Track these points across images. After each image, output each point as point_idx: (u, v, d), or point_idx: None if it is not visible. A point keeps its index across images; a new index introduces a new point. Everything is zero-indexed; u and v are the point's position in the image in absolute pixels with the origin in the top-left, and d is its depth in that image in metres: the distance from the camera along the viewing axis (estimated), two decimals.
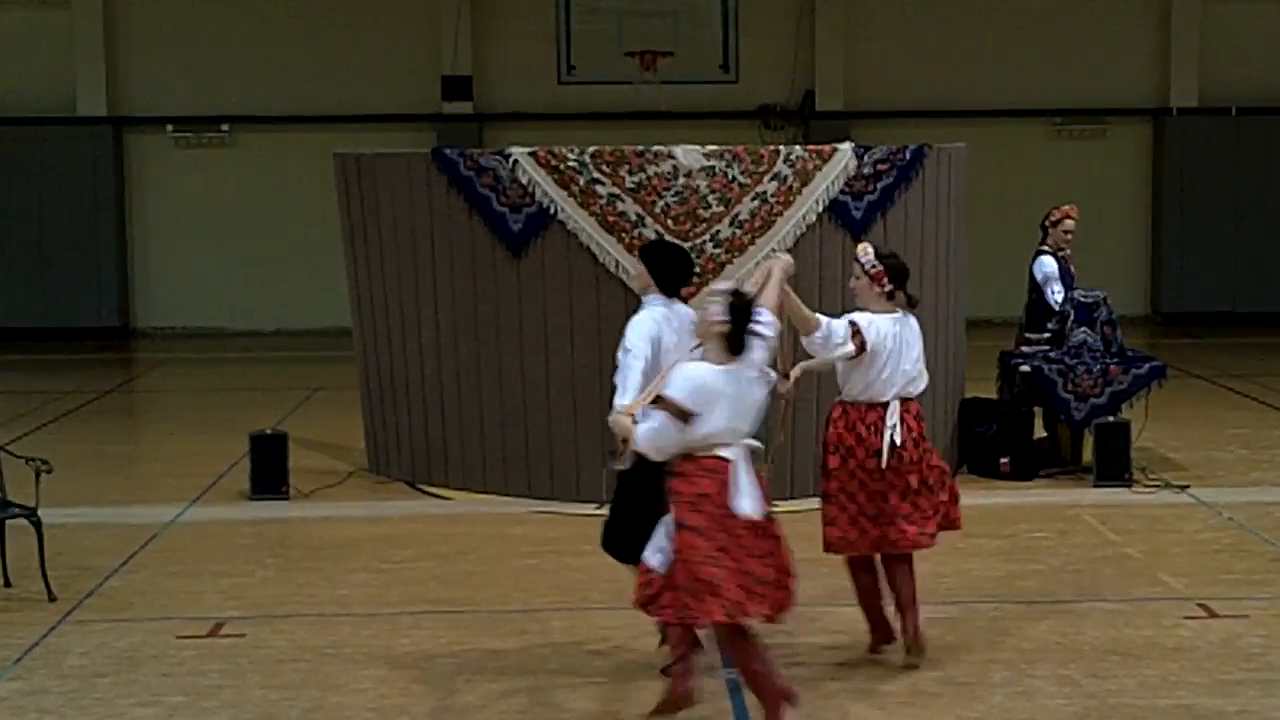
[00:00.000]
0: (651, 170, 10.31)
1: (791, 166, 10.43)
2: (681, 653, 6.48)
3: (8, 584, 8.62)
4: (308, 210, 20.08)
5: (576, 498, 10.53)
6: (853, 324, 7.23)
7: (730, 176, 10.33)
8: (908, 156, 10.83)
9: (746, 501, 6.18)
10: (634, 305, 10.28)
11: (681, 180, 10.30)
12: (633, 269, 7.17)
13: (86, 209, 21.10)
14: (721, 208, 10.33)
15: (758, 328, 6.29)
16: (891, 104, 21.28)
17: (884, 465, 7.25)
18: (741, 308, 6.23)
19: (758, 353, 6.30)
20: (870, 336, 7.23)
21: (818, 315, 7.25)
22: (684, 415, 6.10)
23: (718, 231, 10.34)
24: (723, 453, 6.17)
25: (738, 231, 10.35)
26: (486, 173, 10.60)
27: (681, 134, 12.61)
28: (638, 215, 10.33)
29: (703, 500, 6.14)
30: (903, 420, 7.34)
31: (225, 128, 21.35)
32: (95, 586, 8.72)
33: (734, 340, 6.18)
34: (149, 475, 12.34)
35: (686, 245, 10.30)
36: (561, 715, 6.66)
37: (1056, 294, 11.69)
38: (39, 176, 20.95)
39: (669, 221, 10.32)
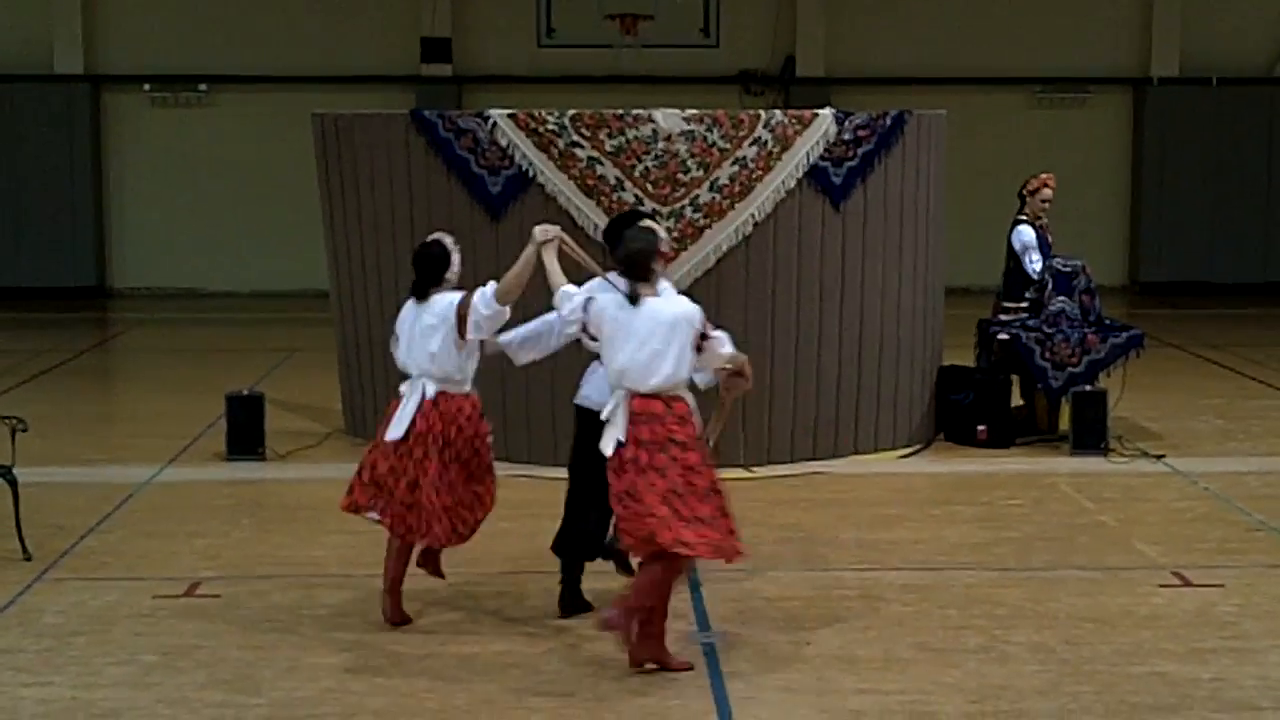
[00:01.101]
0: (631, 134, 10.28)
1: (772, 132, 10.41)
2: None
3: None
4: (285, 171, 19.99)
5: (553, 461, 10.49)
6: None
7: (710, 141, 10.30)
8: (888, 123, 10.82)
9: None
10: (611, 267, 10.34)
11: (661, 144, 10.27)
12: None
13: (63, 168, 20.96)
14: (701, 172, 10.31)
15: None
16: (872, 71, 21.25)
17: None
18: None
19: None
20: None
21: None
22: None
23: (697, 196, 10.32)
24: None
25: (717, 196, 10.33)
26: (465, 135, 10.55)
27: (661, 98, 12.59)
28: (617, 179, 10.30)
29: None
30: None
31: (203, 87, 21.21)
32: (71, 546, 8.70)
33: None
34: (125, 435, 12.31)
35: (665, 209, 10.31)
36: (539, 675, 6.67)
37: (1034, 263, 11.70)
38: (14, 135, 20.80)
39: (648, 185, 10.30)
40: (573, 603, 7.45)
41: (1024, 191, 11.99)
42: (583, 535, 7.44)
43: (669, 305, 6.76)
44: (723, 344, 6.79)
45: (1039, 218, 11.93)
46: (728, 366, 6.99)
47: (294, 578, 8.14)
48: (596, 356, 7.11)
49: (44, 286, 20.77)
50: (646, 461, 6.53)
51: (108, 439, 12.14)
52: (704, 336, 6.70)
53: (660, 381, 6.59)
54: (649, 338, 6.61)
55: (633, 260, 6.84)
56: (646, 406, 6.60)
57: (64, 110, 20.92)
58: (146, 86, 21.21)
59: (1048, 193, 11.91)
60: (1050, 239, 12.02)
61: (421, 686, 6.57)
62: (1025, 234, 11.82)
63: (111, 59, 21.26)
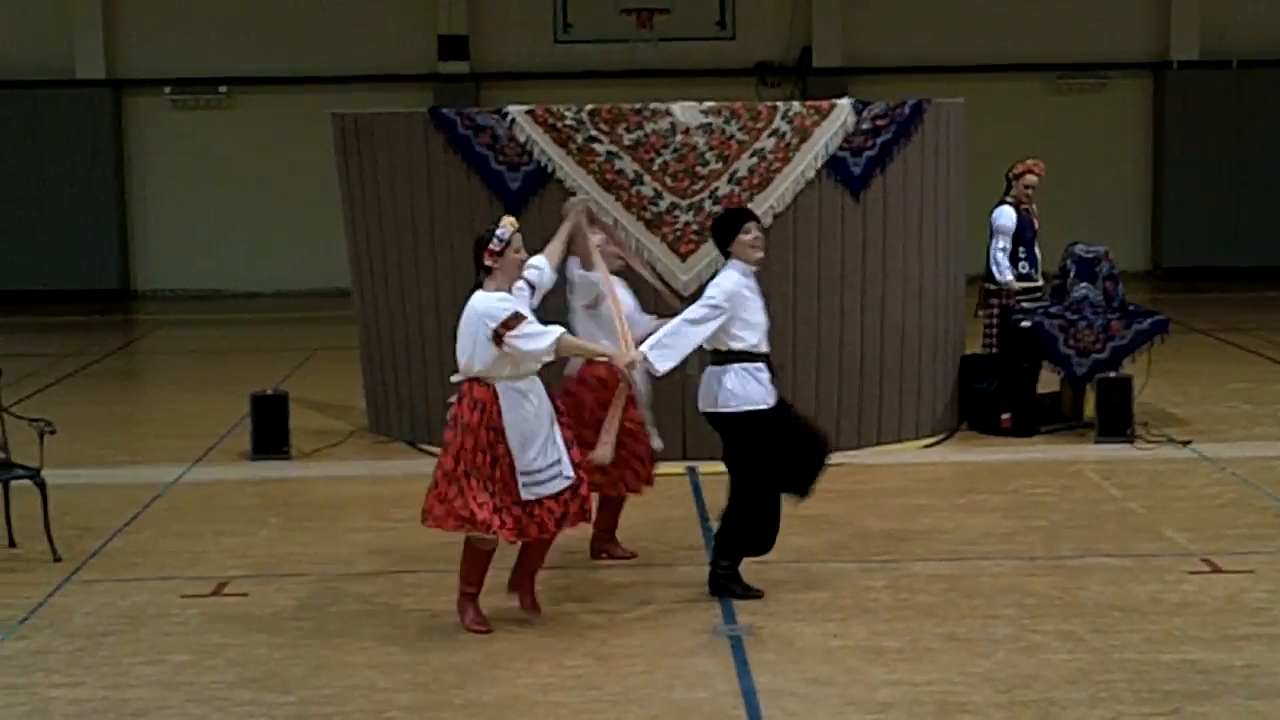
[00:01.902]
0: (649, 128, 10.27)
1: (790, 123, 10.39)
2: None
3: (13, 544, 8.65)
4: (306, 171, 20.05)
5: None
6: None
7: (728, 133, 10.29)
8: (907, 112, 10.79)
9: None
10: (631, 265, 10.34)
11: (679, 137, 10.26)
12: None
13: (85, 172, 21.06)
14: (720, 165, 10.29)
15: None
16: (889, 60, 21.19)
17: None
18: None
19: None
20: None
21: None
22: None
23: (716, 189, 10.31)
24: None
25: (736, 189, 10.32)
26: (484, 131, 10.56)
27: (678, 92, 12.56)
28: (635, 173, 10.29)
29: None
30: None
31: (223, 89, 21.28)
32: (99, 546, 8.74)
33: None
34: (151, 436, 12.36)
35: (685, 202, 10.30)
36: (565, 671, 6.67)
37: (1000, 248, 11.73)
38: (38, 140, 20.90)
39: (667, 179, 10.29)
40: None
41: (1010, 174, 11.99)
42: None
43: (476, 300, 7.16)
44: (525, 342, 7.01)
45: (1024, 202, 11.91)
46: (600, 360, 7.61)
47: (321, 575, 8.17)
48: (716, 360, 7.53)
49: (68, 290, 20.87)
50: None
51: (134, 440, 12.20)
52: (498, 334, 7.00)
53: (461, 367, 7.10)
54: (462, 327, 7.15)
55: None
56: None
57: (86, 114, 21.01)
58: (167, 89, 21.28)
59: (1032, 179, 11.90)
60: (1036, 223, 12.01)
61: (450, 682, 6.58)
62: (1003, 215, 11.81)
63: (132, 63, 21.34)
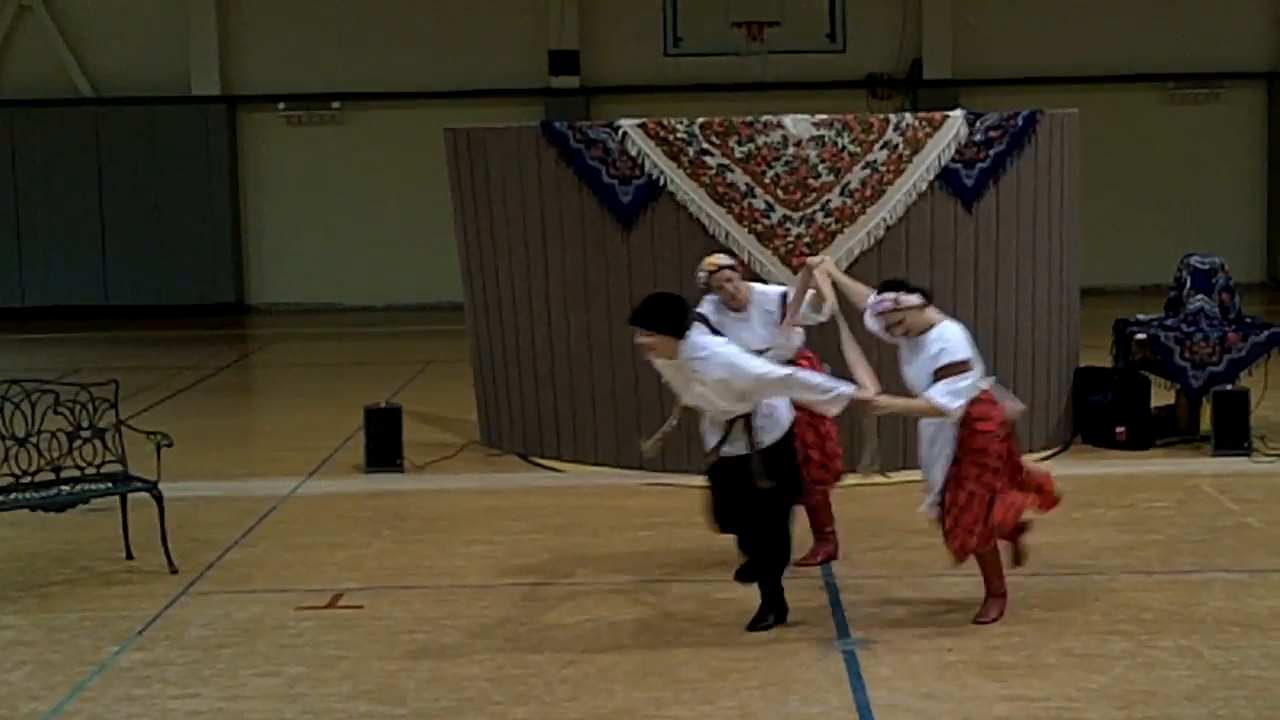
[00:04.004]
0: (761, 140, 10.25)
1: (902, 134, 10.32)
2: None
3: (130, 556, 8.79)
4: (418, 185, 20.27)
5: (689, 469, 10.51)
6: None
7: (840, 145, 10.24)
8: (1020, 123, 10.68)
9: None
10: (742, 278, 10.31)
11: (791, 150, 10.23)
12: (643, 343, 7.11)
13: (201, 188, 21.45)
14: (831, 177, 10.25)
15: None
16: (1000, 71, 21.00)
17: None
18: (897, 283, 7.41)
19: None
20: None
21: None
22: (973, 367, 7.12)
23: (828, 201, 10.27)
24: (983, 384, 7.24)
25: (848, 201, 10.27)
26: (596, 145, 10.60)
27: (788, 104, 12.54)
28: (747, 185, 10.28)
29: (1003, 428, 7.22)
30: None
31: (336, 105, 21.58)
32: (215, 559, 8.87)
33: (925, 295, 7.25)
34: (266, 449, 12.52)
35: (796, 215, 10.27)
36: (680, 684, 6.66)
37: None
38: (155, 156, 21.31)
39: (778, 191, 10.27)
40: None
41: None
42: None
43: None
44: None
45: None
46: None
47: (435, 588, 8.22)
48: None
49: (184, 304, 21.25)
50: None
51: (249, 453, 12.36)
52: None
53: None
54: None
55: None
56: None
57: (201, 131, 21.41)
58: (281, 106, 21.61)
59: None
60: None
61: (564, 695, 6.59)
62: None
63: (246, 79, 21.71)
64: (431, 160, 14.26)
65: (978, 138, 10.50)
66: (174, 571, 8.53)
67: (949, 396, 7.01)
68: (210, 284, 21.51)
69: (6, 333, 19.89)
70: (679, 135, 10.36)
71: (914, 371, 7.23)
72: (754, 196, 10.26)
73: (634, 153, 10.46)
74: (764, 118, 10.34)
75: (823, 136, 10.23)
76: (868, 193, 10.28)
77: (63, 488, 8.62)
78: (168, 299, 21.31)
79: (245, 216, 21.92)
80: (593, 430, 10.97)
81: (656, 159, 10.41)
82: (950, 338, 7.15)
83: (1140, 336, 11.29)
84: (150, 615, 7.82)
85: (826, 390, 7.05)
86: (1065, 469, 10.73)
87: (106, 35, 21.66)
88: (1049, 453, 11.03)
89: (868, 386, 7.08)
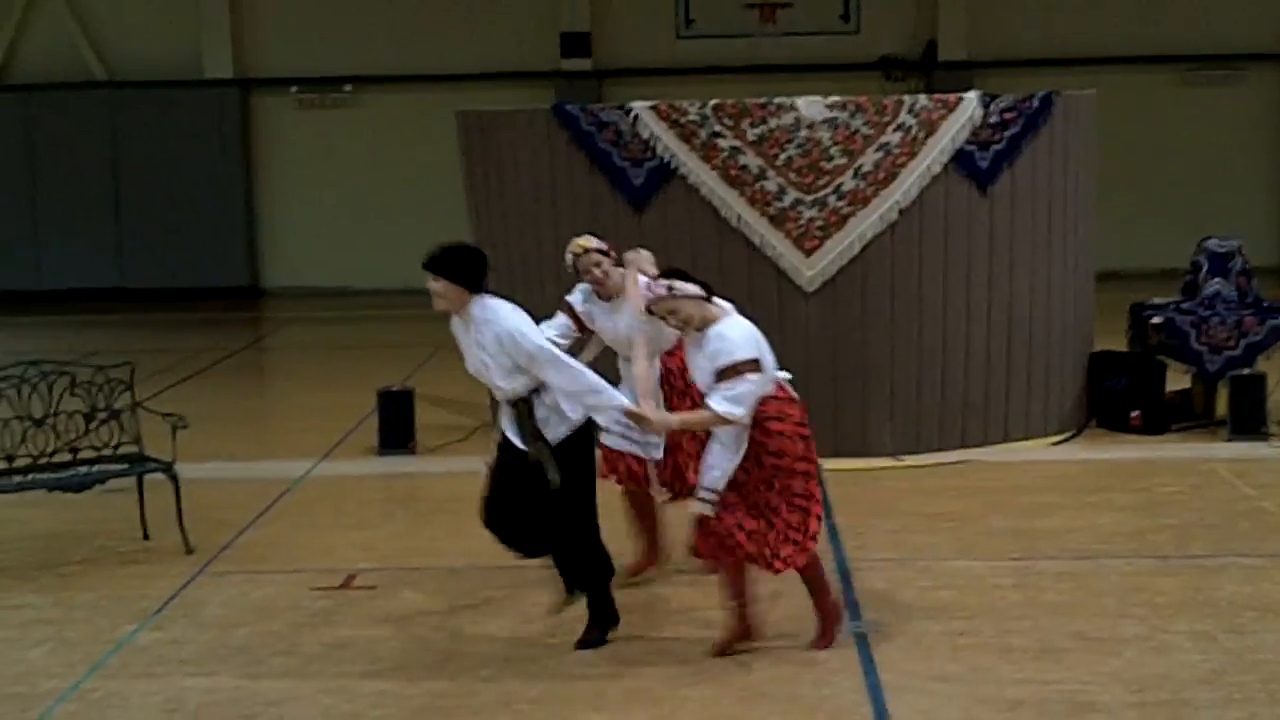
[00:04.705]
0: (773, 123, 10.24)
1: (916, 116, 10.30)
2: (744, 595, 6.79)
3: (146, 537, 8.83)
4: (430, 168, 20.26)
5: None
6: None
7: (853, 128, 10.22)
8: (1035, 105, 10.64)
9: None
10: (754, 261, 10.34)
11: (804, 132, 10.22)
12: (432, 288, 6.77)
13: (214, 170, 21.48)
14: (844, 159, 10.23)
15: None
16: (1015, 53, 20.94)
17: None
18: (677, 273, 6.67)
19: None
20: None
21: None
22: (761, 368, 6.44)
23: (841, 184, 10.25)
24: (780, 375, 6.63)
25: (861, 184, 10.26)
26: (607, 128, 10.59)
27: (801, 87, 12.49)
28: (760, 168, 10.27)
29: (799, 429, 6.58)
30: None
31: (348, 88, 21.58)
32: (231, 539, 8.90)
33: (706, 289, 6.56)
34: (280, 431, 12.56)
35: (809, 198, 10.25)
36: (691, 666, 6.67)
37: None
38: (168, 140, 21.35)
39: (791, 174, 10.25)
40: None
41: None
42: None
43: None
44: None
45: None
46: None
47: (449, 569, 8.24)
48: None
49: (198, 287, 21.30)
50: None
51: (264, 434, 12.40)
52: None
53: None
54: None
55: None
56: None
57: (214, 115, 21.43)
58: (293, 89, 21.62)
59: None
60: None
61: (575, 674, 6.62)
62: None
63: (259, 62, 21.71)
64: (444, 143, 14.25)
65: (993, 120, 10.47)
66: (190, 552, 8.56)
67: (729, 403, 6.37)
68: (224, 267, 21.55)
69: (24, 315, 19.95)
70: (691, 118, 10.35)
71: (695, 369, 6.64)
72: (766, 179, 10.25)
73: (646, 135, 10.45)
74: (776, 100, 10.32)
75: (835, 119, 10.22)
76: (881, 175, 10.26)
77: (80, 469, 8.67)
78: (182, 282, 21.36)
79: (258, 199, 21.95)
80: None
81: (668, 141, 10.40)
82: (731, 336, 6.47)
83: (1156, 320, 11.27)
84: (167, 595, 7.85)
85: (597, 394, 6.55)
86: (1079, 453, 10.74)
87: (120, 19, 21.68)
88: (1063, 437, 11.02)
89: (645, 404, 6.71)
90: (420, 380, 12.89)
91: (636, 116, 10.49)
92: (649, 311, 6.76)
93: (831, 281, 10.35)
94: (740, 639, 6.79)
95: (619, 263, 7.60)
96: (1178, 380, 11.39)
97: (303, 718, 6.27)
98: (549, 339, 6.94)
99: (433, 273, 6.74)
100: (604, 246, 7.58)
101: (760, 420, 6.51)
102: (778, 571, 6.64)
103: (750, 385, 6.40)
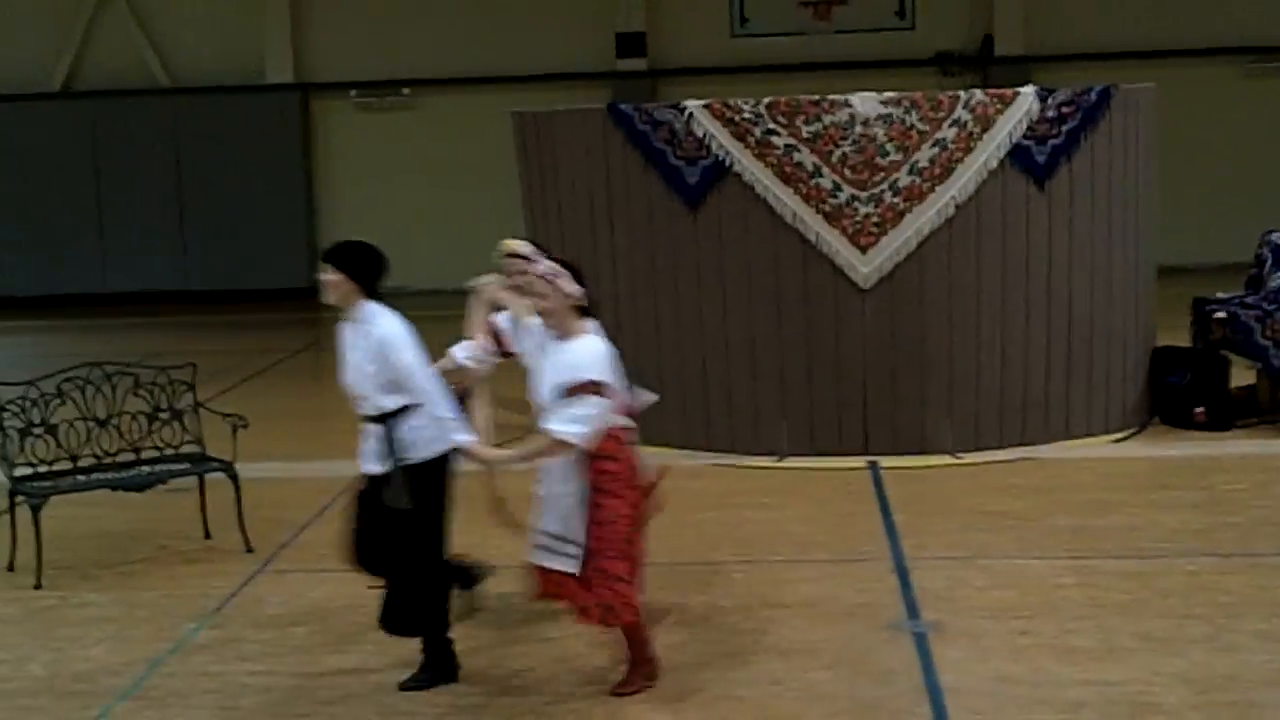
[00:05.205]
0: (828, 119, 10.19)
1: (972, 112, 10.22)
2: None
3: (208, 535, 8.90)
4: (487, 169, 20.30)
5: (755, 450, 10.51)
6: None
7: (908, 123, 10.16)
8: (1093, 98, 10.54)
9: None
10: (809, 259, 10.30)
11: (858, 129, 10.16)
12: (325, 280, 6.52)
13: (275, 174, 21.63)
14: (900, 155, 10.17)
15: None
16: (1074, 47, 20.74)
17: None
18: (579, 274, 6.19)
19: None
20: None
21: None
22: (609, 393, 5.96)
23: (896, 180, 10.19)
24: (621, 421, 6.06)
25: (917, 179, 10.19)
26: (662, 126, 10.58)
27: (857, 84, 12.44)
28: (814, 165, 10.22)
29: (632, 474, 6.06)
30: None
31: (406, 91, 21.67)
32: (290, 538, 8.95)
33: (589, 306, 6.15)
34: (340, 431, 12.44)
35: (864, 194, 10.20)
36: (745, 666, 6.65)
37: None
38: (229, 144, 21.52)
39: (846, 170, 10.20)
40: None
41: None
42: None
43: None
44: None
45: None
46: None
47: (504, 567, 8.19)
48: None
49: (258, 289, 21.45)
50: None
51: (323, 434, 12.42)
52: None
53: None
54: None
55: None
56: None
57: (275, 118, 21.59)
58: (352, 92, 21.75)
59: None
60: None
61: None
62: None
63: (318, 67, 21.86)
64: (500, 144, 14.29)
65: (1050, 114, 10.38)
66: (250, 550, 8.62)
67: (569, 424, 5.95)
68: (284, 269, 21.70)
69: (89, 318, 20.16)
70: (745, 115, 10.31)
71: (540, 384, 6.29)
72: (821, 176, 10.20)
73: (700, 134, 10.42)
74: (831, 97, 10.27)
75: (891, 115, 10.16)
76: (937, 171, 10.19)
77: (142, 468, 8.76)
78: (244, 284, 21.53)
79: (318, 202, 22.08)
80: (660, 411, 10.91)
81: (723, 140, 10.37)
82: (587, 352, 6.08)
83: (1220, 315, 11.13)
84: (227, 593, 7.91)
85: (446, 427, 6.31)
86: (1142, 450, 10.63)
87: (183, 26, 21.88)
88: (1125, 434, 10.91)
89: (479, 439, 6.40)
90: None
91: (691, 115, 10.47)
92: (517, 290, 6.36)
93: (888, 278, 10.30)
94: (647, 674, 6.41)
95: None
96: (1242, 375, 11.25)
97: (360, 717, 6.28)
98: (462, 360, 6.73)
99: (331, 264, 6.49)
100: (527, 252, 6.86)
101: (592, 457, 6.05)
102: (601, 622, 6.20)
103: (594, 410, 5.96)
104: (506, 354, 6.95)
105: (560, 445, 5.97)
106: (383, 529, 6.41)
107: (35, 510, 8.25)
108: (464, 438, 6.35)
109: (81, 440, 8.63)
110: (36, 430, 8.56)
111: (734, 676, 6.53)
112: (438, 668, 6.58)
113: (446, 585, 6.64)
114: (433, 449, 6.35)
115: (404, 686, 6.52)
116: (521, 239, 7.20)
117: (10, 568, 8.43)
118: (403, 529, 6.36)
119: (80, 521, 9.22)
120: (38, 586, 8.09)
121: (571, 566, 6.14)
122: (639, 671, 6.40)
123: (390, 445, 6.34)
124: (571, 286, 6.16)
